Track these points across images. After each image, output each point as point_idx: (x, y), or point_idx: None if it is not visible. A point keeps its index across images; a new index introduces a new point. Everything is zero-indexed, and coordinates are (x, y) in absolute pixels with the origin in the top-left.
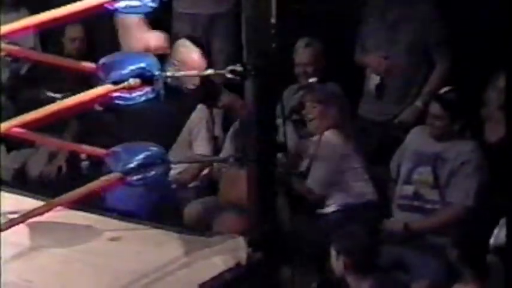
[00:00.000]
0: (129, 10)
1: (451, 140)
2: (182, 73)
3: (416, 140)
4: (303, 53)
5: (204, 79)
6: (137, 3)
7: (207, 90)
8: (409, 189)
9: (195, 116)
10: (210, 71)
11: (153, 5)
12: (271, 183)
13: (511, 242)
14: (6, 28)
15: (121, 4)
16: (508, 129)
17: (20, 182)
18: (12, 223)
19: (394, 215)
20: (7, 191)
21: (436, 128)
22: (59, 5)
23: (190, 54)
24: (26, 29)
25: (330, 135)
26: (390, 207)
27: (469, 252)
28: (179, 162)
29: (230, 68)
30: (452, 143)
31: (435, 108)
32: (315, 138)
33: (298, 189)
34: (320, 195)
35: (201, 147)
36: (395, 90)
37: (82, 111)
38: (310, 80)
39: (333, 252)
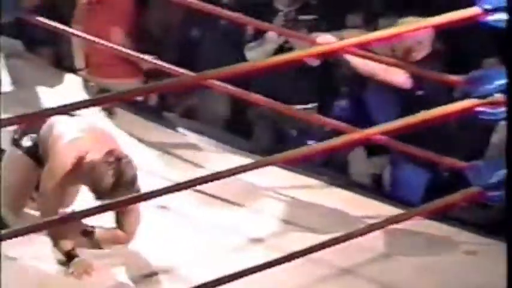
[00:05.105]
0: (500, 24)
1: None
2: None
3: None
4: None
5: None
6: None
7: None
8: None
9: None
10: None
11: None
12: None
13: None
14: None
15: (492, 18)
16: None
17: (377, 188)
18: (371, 228)
19: None
20: (366, 196)
21: None
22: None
23: None
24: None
25: None
26: None
27: None
28: None
29: None
30: None
31: None
32: None
33: None
34: None
35: None
36: None
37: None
38: None
39: None
